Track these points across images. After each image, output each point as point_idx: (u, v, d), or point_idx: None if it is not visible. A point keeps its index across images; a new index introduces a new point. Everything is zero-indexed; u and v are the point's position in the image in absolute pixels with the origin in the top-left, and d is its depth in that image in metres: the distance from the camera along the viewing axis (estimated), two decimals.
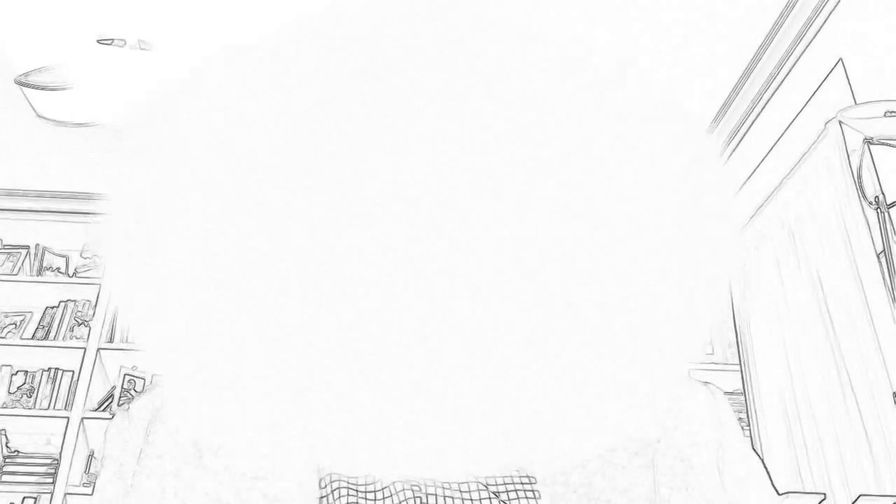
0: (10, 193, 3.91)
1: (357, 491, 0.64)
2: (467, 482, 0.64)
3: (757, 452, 0.73)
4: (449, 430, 0.60)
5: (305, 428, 0.61)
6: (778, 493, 0.71)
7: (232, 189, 0.63)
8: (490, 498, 0.63)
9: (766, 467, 0.72)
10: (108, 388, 3.69)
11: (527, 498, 0.64)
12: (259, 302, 0.60)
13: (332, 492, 0.63)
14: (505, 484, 0.64)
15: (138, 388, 3.68)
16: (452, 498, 0.63)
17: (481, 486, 0.64)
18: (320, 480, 0.64)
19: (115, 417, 0.72)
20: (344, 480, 0.64)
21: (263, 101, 0.64)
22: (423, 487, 0.63)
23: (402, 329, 0.59)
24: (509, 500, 0.63)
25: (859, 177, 2.57)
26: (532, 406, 0.61)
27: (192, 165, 0.65)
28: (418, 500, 0.63)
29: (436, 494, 0.63)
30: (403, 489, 0.63)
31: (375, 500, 0.63)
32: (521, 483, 0.64)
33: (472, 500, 0.63)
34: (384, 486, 0.63)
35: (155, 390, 0.72)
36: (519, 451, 0.63)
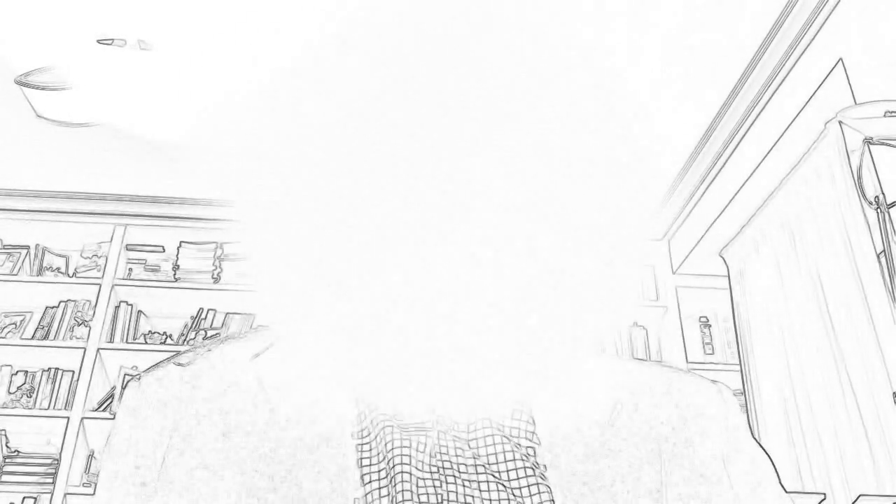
0: (10, 193, 3.91)
1: (380, 477, 0.65)
2: (487, 480, 0.65)
3: (766, 451, 0.73)
4: (467, 370, 0.62)
5: (346, 363, 0.64)
6: (786, 492, 0.72)
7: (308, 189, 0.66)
8: (497, 483, 0.64)
9: (774, 466, 0.72)
10: (108, 388, 3.69)
11: (539, 493, 0.65)
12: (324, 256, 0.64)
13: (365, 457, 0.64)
14: (518, 479, 0.65)
15: None
16: (469, 482, 0.64)
17: (499, 484, 0.65)
18: (360, 421, 0.66)
19: (125, 396, 0.70)
20: (376, 464, 0.65)
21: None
22: (443, 480, 0.64)
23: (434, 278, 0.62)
24: (521, 495, 0.64)
25: (859, 177, 2.57)
26: (538, 358, 0.63)
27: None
28: (440, 496, 0.64)
29: (455, 487, 0.64)
30: (423, 474, 0.64)
31: (399, 482, 0.64)
32: (535, 475, 0.65)
33: (488, 490, 0.65)
34: (404, 470, 0.64)
35: (192, 365, 0.71)
36: (525, 397, 0.66)
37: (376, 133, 0.62)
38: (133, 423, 0.66)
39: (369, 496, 0.62)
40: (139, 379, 0.69)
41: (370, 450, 0.65)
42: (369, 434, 0.65)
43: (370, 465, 0.64)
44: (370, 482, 0.63)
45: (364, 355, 0.62)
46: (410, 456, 0.64)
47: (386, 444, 0.65)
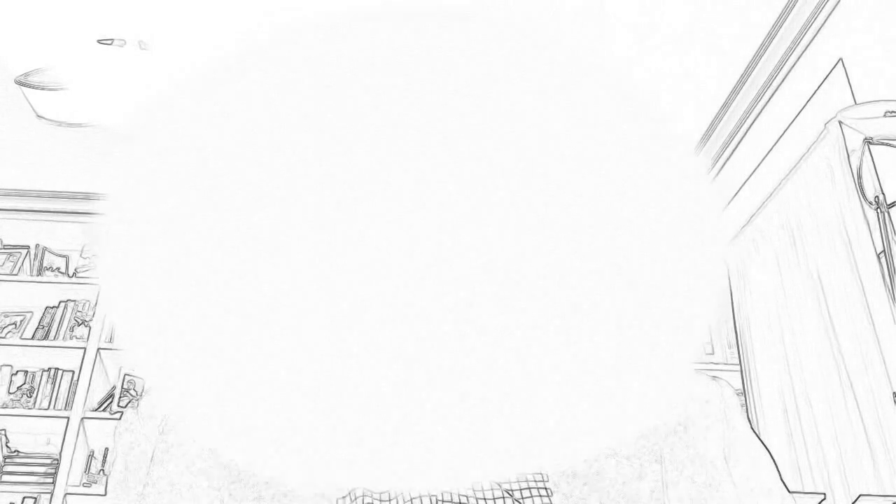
0: (10, 193, 3.91)
1: (373, 499, 0.64)
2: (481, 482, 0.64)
3: (767, 448, 0.73)
4: (469, 440, 0.58)
5: (328, 442, 0.60)
6: (788, 490, 0.72)
7: (225, 192, 0.62)
8: (504, 497, 0.64)
9: (776, 463, 0.72)
10: (108, 388, 3.69)
11: (540, 496, 0.64)
12: (260, 308, 0.59)
13: (354, 501, 0.64)
14: (518, 482, 0.64)
15: (138, 389, 3.67)
16: (468, 498, 0.64)
17: (495, 486, 0.64)
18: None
19: (123, 416, 0.72)
20: (360, 488, 0.65)
21: (263, 105, 0.63)
22: (440, 494, 0.64)
23: (417, 338, 0.58)
24: (522, 497, 0.64)
25: (859, 177, 2.57)
26: (543, 410, 0.60)
27: (188, 168, 0.64)
28: None
29: (451, 502, 0.63)
30: (421, 496, 0.63)
31: None
32: (535, 480, 0.65)
33: (485, 499, 0.64)
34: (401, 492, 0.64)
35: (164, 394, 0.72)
36: (534, 454, 0.62)
37: (378, 131, 0.61)
38: (130, 442, 0.70)
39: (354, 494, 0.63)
40: (137, 407, 0.72)
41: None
42: None
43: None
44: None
45: (357, 447, 0.59)
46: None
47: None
